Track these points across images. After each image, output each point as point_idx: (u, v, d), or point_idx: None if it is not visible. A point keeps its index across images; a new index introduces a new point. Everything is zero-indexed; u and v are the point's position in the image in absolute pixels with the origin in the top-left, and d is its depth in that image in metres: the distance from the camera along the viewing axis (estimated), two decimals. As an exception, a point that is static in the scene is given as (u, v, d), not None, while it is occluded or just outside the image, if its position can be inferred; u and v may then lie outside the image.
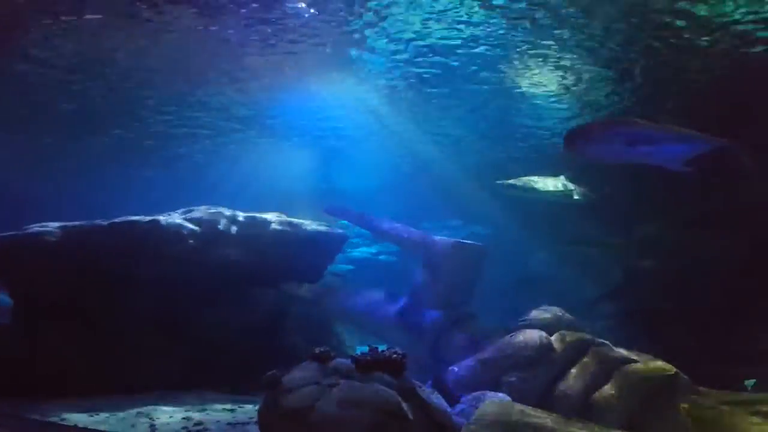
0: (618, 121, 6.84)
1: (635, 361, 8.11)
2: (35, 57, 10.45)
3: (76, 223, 9.77)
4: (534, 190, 12.52)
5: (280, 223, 11.29)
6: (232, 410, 9.04)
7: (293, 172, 16.33)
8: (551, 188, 12.70)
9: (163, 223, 9.92)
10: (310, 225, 11.69)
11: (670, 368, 7.96)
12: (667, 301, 12.78)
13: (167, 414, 8.73)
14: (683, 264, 12.96)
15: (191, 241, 10.10)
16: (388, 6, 8.77)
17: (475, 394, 7.87)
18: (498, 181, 12.59)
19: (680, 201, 13.29)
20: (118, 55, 10.40)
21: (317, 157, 16.08)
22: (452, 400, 7.93)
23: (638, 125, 6.42)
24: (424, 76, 11.20)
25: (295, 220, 11.56)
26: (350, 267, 17.05)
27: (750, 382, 9.69)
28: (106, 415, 8.52)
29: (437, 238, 10.92)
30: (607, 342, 8.83)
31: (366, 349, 7.17)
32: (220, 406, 9.24)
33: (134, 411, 8.73)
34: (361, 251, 18.77)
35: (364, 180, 16.83)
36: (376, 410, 6.22)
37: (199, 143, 15.75)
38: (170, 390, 9.76)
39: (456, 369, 8.84)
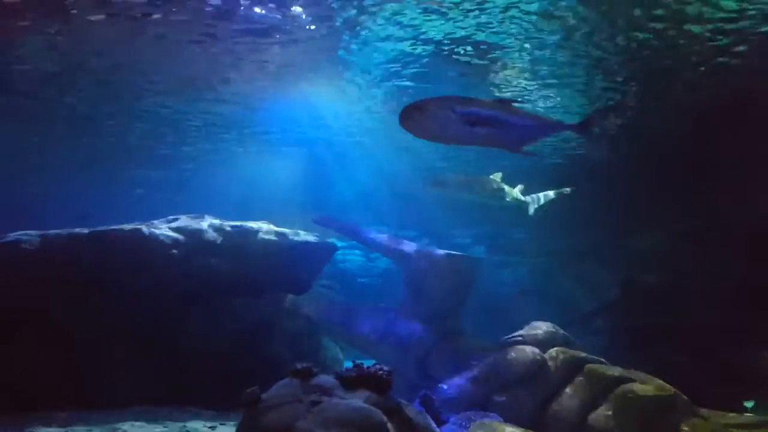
0: (458, 98, 6.21)
1: (632, 380, 7.79)
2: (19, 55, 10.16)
3: (56, 231, 9.45)
4: (467, 190, 12.15)
5: (268, 232, 10.98)
6: (213, 427, 8.67)
7: (282, 180, 15.99)
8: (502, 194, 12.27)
9: (146, 232, 9.62)
10: (298, 235, 11.40)
11: (669, 388, 7.66)
12: (664, 317, 12.52)
13: (144, 429, 8.38)
14: (682, 278, 12.72)
15: (174, 251, 9.79)
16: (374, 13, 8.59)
17: (464, 413, 7.56)
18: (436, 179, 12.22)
19: (677, 215, 13.14)
20: (98, 58, 10.14)
21: (307, 165, 15.77)
22: (440, 420, 7.61)
23: (480, 104, 6.08)
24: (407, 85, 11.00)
25: (283, 230, 11.26)
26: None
27: (750, 403, 9.41)
28: (81, 430, 8.18)
29: (428, 249, 10.63)
30: (602, 360, 8.52)
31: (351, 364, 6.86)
32: (200, 423, 8.86)
33: (109, 427, 8.36)
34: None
35: (355, 188, 16.52)
36: (359, 429, 5.91)
37: (184, 150, 15.44)
38: (149, 405, 9.38)
39: (445, 387, 8.53)
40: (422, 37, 9.12)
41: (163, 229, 9.92)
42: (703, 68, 9.93)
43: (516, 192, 12.62)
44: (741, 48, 9.26)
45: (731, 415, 8.04)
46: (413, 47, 9.50)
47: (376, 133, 13.51)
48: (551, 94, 11.21)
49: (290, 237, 11.26)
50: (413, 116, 5.77)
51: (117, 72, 10.54)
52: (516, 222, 14.73)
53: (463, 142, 6.40)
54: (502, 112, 6.16)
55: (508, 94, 11.25)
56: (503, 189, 12.37)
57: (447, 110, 5.83)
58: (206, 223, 10.49)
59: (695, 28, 8.76)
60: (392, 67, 10.34)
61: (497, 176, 12.38)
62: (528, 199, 12.58)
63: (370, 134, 13.58)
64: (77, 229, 9.50)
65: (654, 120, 11.87)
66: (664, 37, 9.11)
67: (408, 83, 10.81)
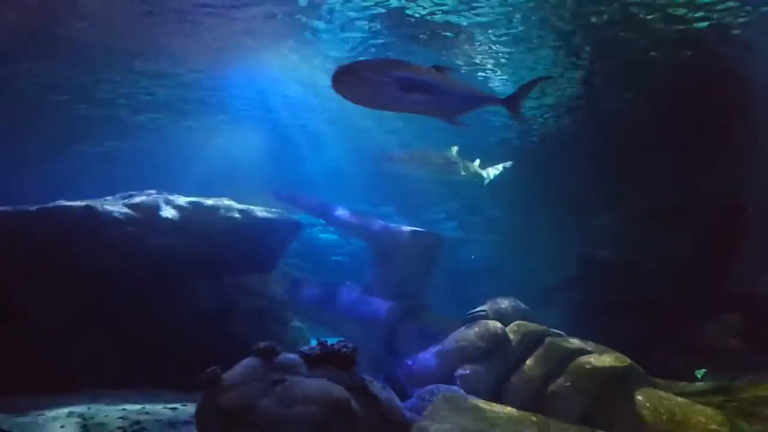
0: (394, 62, 6.10)
1: (590, 353, 7.97)
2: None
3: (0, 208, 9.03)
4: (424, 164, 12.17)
5: (230, 209, 10.71)
6: (173, 408, 8.52)
7: (246, 156, 15.67)
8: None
9: (99, 208, 9.25)
10: (261, 212, 11.16)
11: (625, 359, 7.86)
12: (622, 292, 12.85)
13: (102, 413, 8.14)
14: (637, 256, 13.05)
15: (130, 229, 9.45)
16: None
17: (428, 387, 7.61)
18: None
19: (636, 193, 13.42)
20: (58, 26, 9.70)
21: (272, 141, 15.48)
22: (405, 395, 7.66)
23: (416, 70, 5.94)
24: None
25: (244, 207, 11.01)
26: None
27: (700, 372, 9.77)
28: (34, 414, 7.92)
29: (392, 226, 10.58)
30: (562, 333, 8.70)
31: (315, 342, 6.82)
32: (161, 405, 8.70)
33: (65, 410, 8.11)
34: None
35: (318, 163, 16.33)
36: (322, 407, 5.88)
37: (141, 123, 14.98)
38: (108, 388, 9.12)
39: (409, 362, 8.57)
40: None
41: (117, 206, 9.56)
42: (663, 43, 10.08)
43: (474, 166, 12.60)
44: (702, 24, 9.39)
45: (683, 383, 8.33)
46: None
47: (346, 107, 13.34)
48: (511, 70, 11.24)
49: (254, 214, 10.99)
50: (346, 80, 5.57)
51: (67, 42, 10.10)
52: (477, 198, 14.78)
53: (397, 108, 6.29)
54: (438, 79, 6.02)
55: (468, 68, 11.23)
56: (456, 163, 12.30)
57: (381, 74, 5.64)
58: (164, 199, 10.15)
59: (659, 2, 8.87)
60: (360, 37, 10.17)
61: (453, 150, 12.33)
62: (484, 173, 12.60)
63: (341, 108, 13.41)
64: (23, 206, 9.08)
65: (613, 98, 12.03)
66: (625, 12, 9.19)
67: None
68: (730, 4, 8.98)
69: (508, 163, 12.89)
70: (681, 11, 9.17)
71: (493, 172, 12.95)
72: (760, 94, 10.59)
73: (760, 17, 9.31)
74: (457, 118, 6.46)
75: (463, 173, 12.43)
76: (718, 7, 9.12)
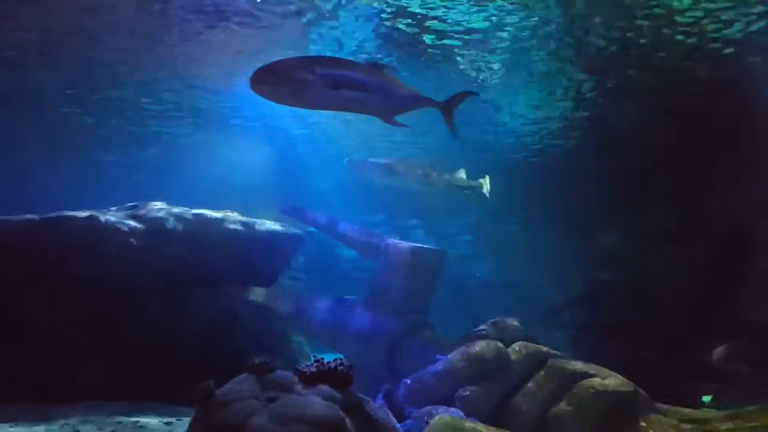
0: (319, 59, 5.98)
1: (593, 376, 7.80)
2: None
3: (4, 217, 9.02)
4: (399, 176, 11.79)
5: (232, 221, 10.68)
6: (168, 423, 8.43)
7: (249, 168, 15.68)
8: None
9: (102, 219, 9.24)
10: (264, 225, 11.12)
11: (629, 384, 7.70)
12: (627, 313, 12.67)
13: (95, 426, 8.09)
14: (643, 276, 12.89)
15: (132, 240, 9.43)
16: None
17: (426, 408, 7.47)
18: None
19: (642, 214, 13.28)
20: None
21: (275, 153, 15.49)
22: (403, 416, 7.52)
23: (345, 66, 5.74)
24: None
25: (248, 219, 10.98)
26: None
27: (707, 398, 9.56)
28: (27, 426, 7.86)
29: (395, 242, 10.48)
30: (564, 355, 8.54)
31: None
32: (156, 419, 8.61)
33: (60, 422, 8.07)
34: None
35: (322, 176, 16.31)
36: (316, 426, 5.76)
37: (149, 136, 15.07)
38: (104, 399, 9.06)
39: (408, 381, 8.43)
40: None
41: (120, 216, 9.55)
42: (671, 63, 10.02)
43: (457, 177, 12.30)
44: (714, 45, 9.32)
45: (687, 410, 8.13)
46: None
47: (345, 119, 13.37)
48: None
49: (256, 227, 10.96)
50: (265, 79, 5.32)
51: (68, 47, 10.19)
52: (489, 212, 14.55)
53: (327, 107, 6.07)
54: (371, 77, 5.82)
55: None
56: (431, 174, 12.05)
57: (304, 72, 5.39)
58: (167, 210, 10.12)
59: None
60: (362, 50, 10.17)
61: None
62: (476, 183, 12.35)
63: (340, 119, 13.44)
64: (28, 215, 9.10)
65: (620, 116, 11.96)
66: (633, 32, 9.14)
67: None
68: (736, 27, 8.94)
69: (485, 178, 12.67)
70: (688, 29, 9.11)
71: (484, 183, 12.68)
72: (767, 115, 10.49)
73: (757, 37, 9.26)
74: (395, 119, 6.28)
75: (441, 186, 12.18)
76: (721, 31, 9.07)
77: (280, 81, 5.33)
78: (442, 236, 15.94)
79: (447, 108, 6.71)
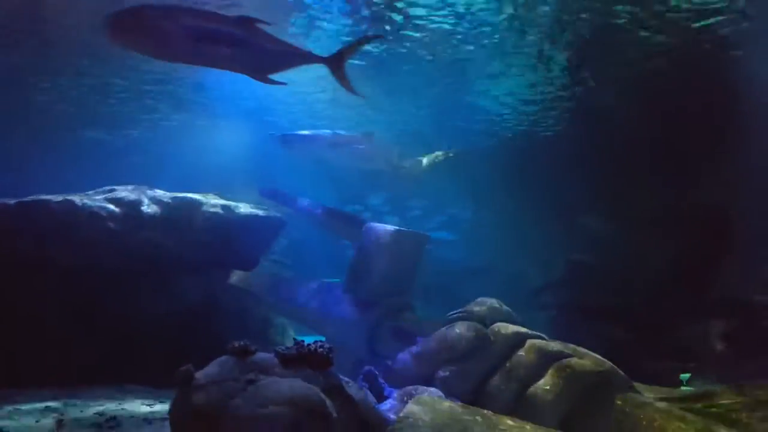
0: (182, 9, 5.33)
1: (570, 356, 7.91)
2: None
3: (-20, 202, 8.91)
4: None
5: (212, 205, 10.61)
6: (150, 405, 8.44)
7: (229, 151, 15.52)
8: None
9: (79, 203, 9.13)
10: (245, 208, 11.07)
11: (606, 363, 7.81)
12: (606, 295, 12.84)
13: (78, 408, 8.07)
14: (623, 259, 13.05)
15: (110, 224, 9.34)
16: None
17: (405, 389, 7.51)
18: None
19: (623, 197, 13.40)
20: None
21: (255, 135, 15.31)
22: (383, 397, 7.57)
23: (209, 18, 5.34)
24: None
25: (228, 203, 10.91)
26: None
27: (685, 376, 9.75)
28: (9, 409, 7.81)
29: (376, 224, 10.45)
30: (543, 335, 8.63)
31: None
32: (138, 401, 8.63)
33: (42, 405, 8.03)
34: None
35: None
36: (296, 408, 5.79)
37: (129, 115, 14.84)
38: (86, 384, 9.04)
39: (389, 363, 8.48)
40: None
41: (98, 200, 9.44)
42: (657, 46, 10.06)
43: (394, 155, 11.93)
44: (697, 24, 9.34)
45: (665, 389, 8.29)
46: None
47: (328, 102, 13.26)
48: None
49: (237, 210, 10.90)
50: (120, 27, 4.92)
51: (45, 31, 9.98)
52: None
53: (191, 61, 5.70)
54: (241, 31, 5.46)
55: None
56: (370, 150, 11.58)
57: (164, 21, 5.01)
58: (145, 194, 10.03)
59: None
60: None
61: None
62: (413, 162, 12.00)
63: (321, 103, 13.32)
64: (2, 200, 8.95)
65: (604, 99, 12.02)
66: (618, 15, 9.16)
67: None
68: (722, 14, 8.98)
69: (451, 152, 12.41)
70: (674, 15, 9.15)
71: (428, 160, 12.35)
72: (751, 102, 10.58)
73: (750, 25, 9.31)
74: (270, 77, 5.94)
75: (384, 162, 11.81)
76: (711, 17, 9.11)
77: (136, 30, 4.93)
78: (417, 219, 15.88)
79: (336, 63, 6.21)
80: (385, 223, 10.34)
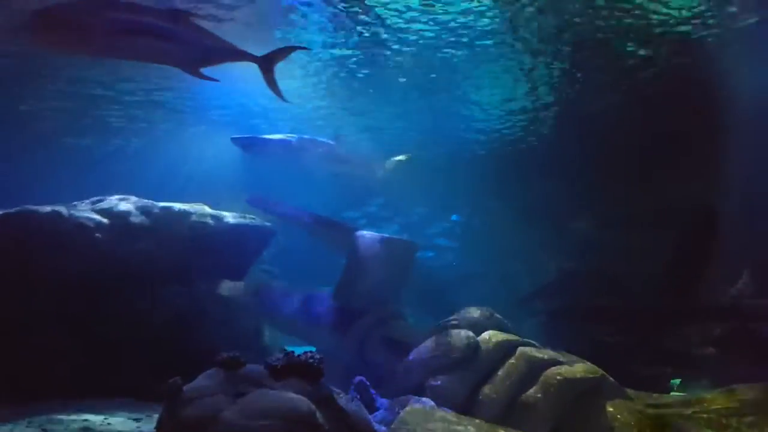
0: (111, 2, 5.07)
1: (562, 363, 7.91)
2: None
3: (-37, 212, 8.78)
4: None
5: (201, 215, 10.53)
6: (137, 419, 8.31)
7: (217, 160, 15.46)
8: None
9: (66, 214, 9.03)
10: (234, 217, 11.00)
11: (597, 370, 7.82)
12: (597, 300, 12.87)
13: (63, 424, 7.92)
14: (613, 263, 13.09)
15: (98, 235, 9.24)
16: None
17: (397, 399, 7.49)
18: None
19: (611, 200, 13.47)
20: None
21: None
22: (374, 407, 7.53)
23: (137, 11, 5.14)
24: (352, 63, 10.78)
25: (217, 213, 10.84)
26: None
27: (675, 382, 9.77)
28: (-9, 425, 7.69)
29: (364, 232, 10.43)
30: (534, 342, 8.64)
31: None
32: (125, 414, 8.48)
33: (25, 420, 7.89)
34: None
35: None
36: (286, 420, 5.75)
37: (114, 129, 14.77)
38: (71, 397, 8.88)
39: (380, 372, 8.44)
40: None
41: (85, 211, 9.35)
42: (639, 50, 10.14)
43: (359, 159, 11.79)
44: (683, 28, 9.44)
45: (655, 395, 8.30)
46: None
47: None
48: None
49: (226, 220, 10.83)
50: (42, 25, 4.73)
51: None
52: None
53: (117, 55, 5.56)
54: (169, 23, 5.32)
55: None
56: (336, 154, 11.25)
57: (89, 16, 4.82)
58: (133, 204, 9.95)
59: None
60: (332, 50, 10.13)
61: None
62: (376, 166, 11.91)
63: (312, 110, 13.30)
64: (-11, 210, 8.85)
65: (589, 104, 12.10)
66: (605, 20, 9.24)
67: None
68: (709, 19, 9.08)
69: (403, 156, 12.41)
70: (659, 17, 9.23)
71: (391, 163, 12.29)
72: (735, 103, 10.69)
73: (734, 27, 9.41)
74: (202, 71, 5.87)
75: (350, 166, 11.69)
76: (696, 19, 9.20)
77: (53, 25, 4.71)
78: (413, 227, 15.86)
79: (267, 64, 6.22)
80: (384, 231, 10.32)
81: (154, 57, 5.69)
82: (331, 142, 11.49)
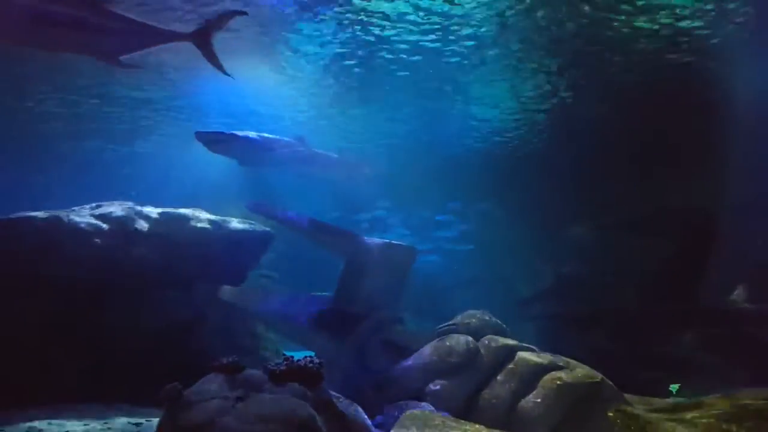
0: None
1: (561, 368, 7.91)
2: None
3: (-38, 218, 8.80)
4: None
5: (200, 220, 10.54)
6: (137, 424, 8.30)
7: (217, 166, 15.48)
8: None
9: (65, 220, 9.04)
10: (232, 223, 11.00)
11: (596, 375, 7.83)
12: (595, 305, 12.88)
13: (64, 428, 7.93)
14: (610, 268, 13.11)
15: (97, 240, 9.25)
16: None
17: (397, 404, 7.49)
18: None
19: (607, 206, 13.50)
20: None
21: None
22: (374, 411, 7.53)
23: (52, 0, 4.91)
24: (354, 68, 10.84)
25: (216, 218, 10.85)
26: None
27: (674, 387, 9.77)
28: (-8, 430, 7.69)
29: (365, 238, 10.44)
30: (533, 347, 8.64)
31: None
32: (125, 419, 8.49)
33: (25, 426, 7.88)
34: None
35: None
36: (286, 425, 5.75)
37: (114, 134, 14.79)
38: (71, 402, 8.89)
39: (379, 377, 8.44)
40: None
41: (84, 216, 9.36)
42: (634, 57, 10.20)
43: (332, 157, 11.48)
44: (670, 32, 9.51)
45: (655, 399, 8.30)
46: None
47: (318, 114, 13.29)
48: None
49: (225, 225, 10.83)
50: None
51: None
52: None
53: (26, 43, 5.36)
54: (85, 12, 5.08)
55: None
56: (305, 153, 10.98)
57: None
58: (133, 210, 9.96)
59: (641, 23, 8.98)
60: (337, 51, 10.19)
61: None
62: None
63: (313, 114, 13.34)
64: (-11, 217, 8.87)
65: (585, 110, 12.15)
66: (598, 26, 9.30)
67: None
68: (698, 23, 9.15)
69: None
70: (651, 25, 9.30)
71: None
72: (731, 107, 10.73)
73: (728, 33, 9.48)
74: (120, 59, 5.64)
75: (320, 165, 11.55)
76: (689, 23, 9.26)
77: None
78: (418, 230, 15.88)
79: (202, 39, 5.93)
80: (391, 236, 10.32)
81: (70, 46, 5.44)
82: (296, 142, 11.29)
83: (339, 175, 12.42)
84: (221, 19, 6.21)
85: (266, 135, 11.05)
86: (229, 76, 6.46)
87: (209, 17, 6.23)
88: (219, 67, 6.32)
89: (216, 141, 10.35)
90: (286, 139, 11.30)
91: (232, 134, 10.43)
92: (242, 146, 10.51)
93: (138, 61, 5.79)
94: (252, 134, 10.74)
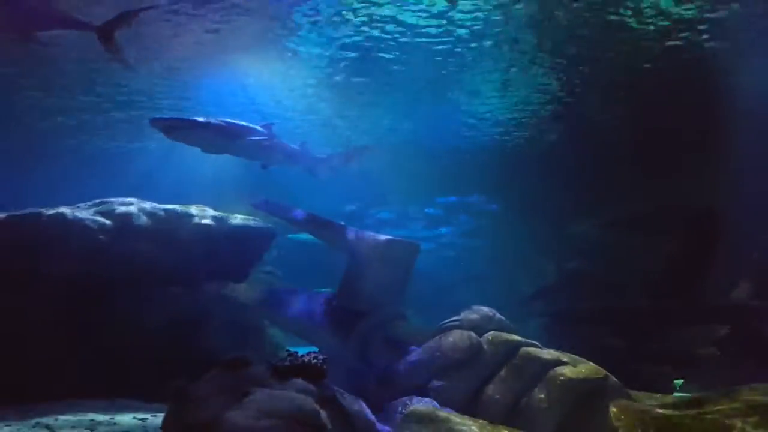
0: None
1: (565, 364, 7.90)
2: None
3: (-34, 215, 8.84)
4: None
5: (203, 216, 10.57)
6: (143, 419, 8.36)
7: (221, 162, 15.49)
8: None
9: (69, 216, 9.08)
10: (236, 219, 11.03)
11: (600, 371, 7.80)
12: (599, 301, 12.89)
13: (70, 423, 7.98)
14: (615, 265, 13.12)
15: (101, 236, 9.28)
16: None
17: (400, 399, 7.51)
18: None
19: (613, 203, 13.50)
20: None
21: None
22: (378, 407, 7.54)
23: None
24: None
25: (220, 214, 10.88)
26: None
27: (678, 382, 9.77)
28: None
29: (368, 233, 10.41)
30: (536, 343, 8.62)
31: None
32: (130, 415, 8.54)
33: (32, 421, 7.94)
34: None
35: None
36: (290, 420, 5.77)
37: (116, 130, 14.83)
38: (78, 398, 8.95)
39: (382, 373, 8.45)
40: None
41: (88, 213, 9.39)
42: (640, 56, 10.19)
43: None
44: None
45: (659, 395, 8.29)
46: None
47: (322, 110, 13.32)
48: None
49: (228, 221, 10.87)
50: None
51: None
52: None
53: None
54: None
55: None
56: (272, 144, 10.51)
57: None
58: (136, 206, 9.98)
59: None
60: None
61: None
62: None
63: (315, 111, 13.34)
64: (-6, 213, 8.91)
65: (591, 108, 12.14)
66: (604, 25, 9.29)
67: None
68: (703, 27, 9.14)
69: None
70: (658, 24, 9.28)
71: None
72: (735, 106, 10.71)
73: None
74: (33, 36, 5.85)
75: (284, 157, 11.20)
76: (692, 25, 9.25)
77: None
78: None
79: (105, 33, 6.00)
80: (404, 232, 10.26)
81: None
82: (263, 131, 11.01)
83: (302, 167, 12.08)
84: (129, 15, 6.27)
85: (230, 120, 10.55)
86: (133, 69, 6.53)
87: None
88: (121, 60, 6.40)
89: (174, 128, 9.51)
90: (252, 126, 10.92)
91: (192, 120, 9.69)
92: (202, 133, 9.93)
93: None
94: (214, 120, 10.21)
